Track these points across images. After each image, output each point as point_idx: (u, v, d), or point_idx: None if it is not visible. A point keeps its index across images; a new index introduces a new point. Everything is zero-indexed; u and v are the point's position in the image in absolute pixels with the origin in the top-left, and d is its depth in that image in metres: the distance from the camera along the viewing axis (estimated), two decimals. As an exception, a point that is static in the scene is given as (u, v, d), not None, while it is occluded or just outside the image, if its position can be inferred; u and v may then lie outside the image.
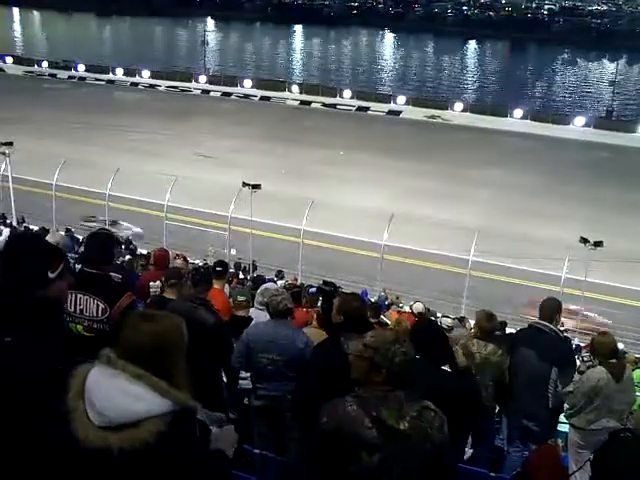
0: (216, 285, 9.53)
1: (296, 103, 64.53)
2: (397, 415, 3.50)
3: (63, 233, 22.13)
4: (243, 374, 7.74)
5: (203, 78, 70.18)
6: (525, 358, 7.51)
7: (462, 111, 61.71)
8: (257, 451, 6.48)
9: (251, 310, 9.03)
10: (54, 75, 72.39)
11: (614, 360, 7.34)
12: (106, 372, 3.00)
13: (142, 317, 3.21)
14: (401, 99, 64.13)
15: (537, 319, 7.61)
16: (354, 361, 3.75)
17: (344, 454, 3.55)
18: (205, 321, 6.95)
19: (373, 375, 3.63)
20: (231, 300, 9.60)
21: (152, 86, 69.63)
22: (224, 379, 7.68)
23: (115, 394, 2.93)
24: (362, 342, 3.77)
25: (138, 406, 2.93)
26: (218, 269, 10.03)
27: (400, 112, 62.09)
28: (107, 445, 2.88)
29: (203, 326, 6.84)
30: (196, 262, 24.26)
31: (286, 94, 66.55)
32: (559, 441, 7.51)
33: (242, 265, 28.10)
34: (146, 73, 71.25)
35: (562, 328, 17.17)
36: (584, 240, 24.91)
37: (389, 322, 11.28)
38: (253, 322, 8.02)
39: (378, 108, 62.75)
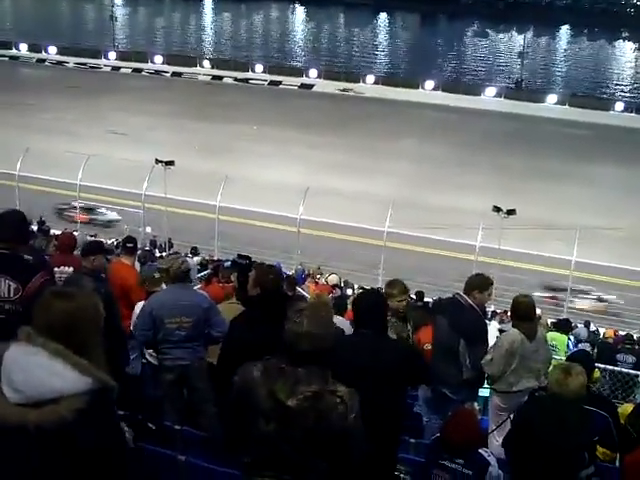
0: (126, 261, 9.41)
1: (208, 78, 63.77)
2: (288, 391, 3.50)
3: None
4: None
5: (112, 54, 68.53)
6: (439, 326, 7.64)
7: (374, 84, 61.93)
8: (178, 427, 6.45)
9: (163, 286, 8.95)
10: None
11: (528, 322, 7.51)
12: (25, 349, 2.94)
13: (55, 295, 3.13)
14: (313, 72, 63.96)
15: (460, 291, 7.73)
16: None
17: (247, 417, 3.58)
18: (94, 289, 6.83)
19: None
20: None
21: (60, 63, 67.66)
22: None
23: (34, 370, 2.87)
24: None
25: (57, 383, 2.87)
26: (128, 245, 9.89)
27: (312, 86, 62.00)
28: (24, 422, 2.82)
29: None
30: (111, 242, 23.97)
31: (197, 69, 65.69)
32: (475, 405, 7.66)
33: (158, 243, 27.82)
34: (53, 49, 69.02)
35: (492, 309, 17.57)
36: (497, 209, 25.42)
37: (306, 294, 11.32)
38: (155, 293, 7.95)
39: (290, 82, 62.49)
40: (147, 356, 8.07)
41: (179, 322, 6.98)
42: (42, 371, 2.88)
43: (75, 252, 9.17)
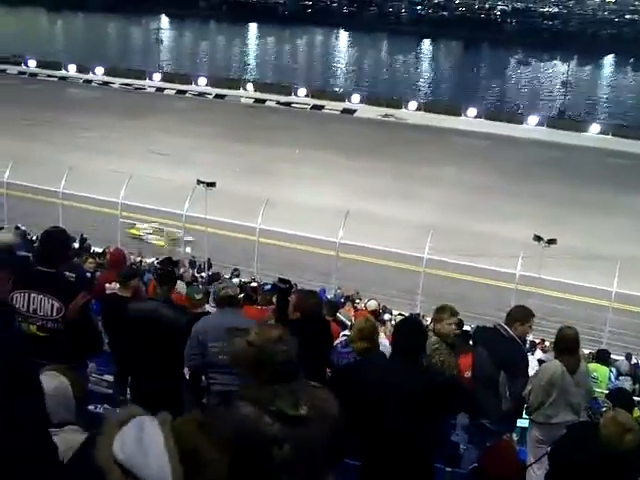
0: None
1: (251, 101, 64.22)
2: (294, 403, 3.51)
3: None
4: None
5: (157, 76, 69.42)
6: (479, 356, 7.59)
7: (416, 110, 61.94)
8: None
9: (206, 307, 9.00)
10: (3, 70, 70.87)
11: (571, 354, 7.43)
12: None
13: None
14: (355, 98, 64.16)
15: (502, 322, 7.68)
16: (238, 357, 3.77)
17: (255, 456, 3.46)
18: (175, 320, 6.88)
19: (259, 372, 3.63)
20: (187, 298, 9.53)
21: (106, 83, 68.75)
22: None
23: None
24: (246, 340, 3.77)
25: None
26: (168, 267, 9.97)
27: (354, 111, 62.14)
28: None
29: (174, 325, 6.79)
30: (152, 260, 24.18)
31: (241, 92, 66.21)
32: (514, 436, 7.58)
33: (197, 263, 27.99)
34: (99, 70, 70.14)
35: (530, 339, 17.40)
36: (538, 238, 25.24)
37: (346, 319, 11.29)
38: (203, 317, 7.98)
39: (332, 107, 62.72)
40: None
41: (221, 347, 6.98)
42: None
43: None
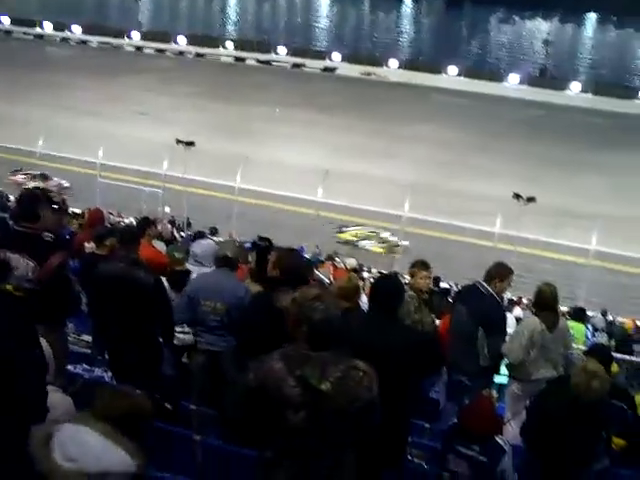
0: (143, 241, 9.43)
1: (231, 60, 63.67)
2: (319, 375, 3.49)
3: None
4: (185, 328, 7.67)
5: (136, 34, 68.46)
6: (458, 313, 7.63)
7: (397, 68, 61.60)
8: (193, 407, 6.47)
9: (187, 265, 8.98)
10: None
11: (549, 311, 7.50)
12: (83, 428, 3.14)
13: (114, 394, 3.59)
14: (336, 56, 63.63)
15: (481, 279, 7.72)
16: (285, 315, 3.77)
17: (271, 411, 3.54)
18: (143, 281, 6.85)
19: (296, 331, 3.63)
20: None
21: (83, 42, 67.78)
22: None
23: (91, 446, 3.08)
24: (291, 297, 3.78)
25: (111, 459, 3.07)
26: (143, 225, 9.92)
27: (335, 69, 61.76)
28: None
29: (142, 287, 6.76)
30: (130, 220, 24.08)
31: (221, 51, 65.56)
32: (493, 392, 7.67)
33: (176, 223, 27.92)
34: (77, 28, 69.07)
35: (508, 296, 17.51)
36: (517, 196, 25.30)
37: (325, 278, 11.32)
38: (197, 274, 7.97)
39: (313, 65, 62.29)
40: (181, 335, 8.06)
41: (213, 307, 6.97)
42: (98, 447, 3.05)
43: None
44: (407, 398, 5.10)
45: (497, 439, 5.58)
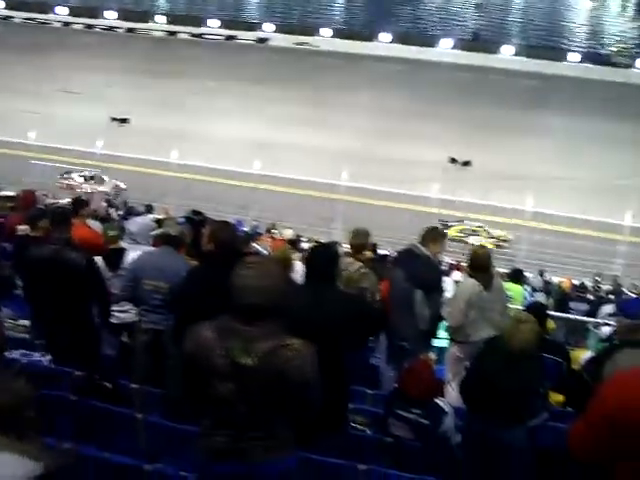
0: (77, 221, 9.28)
1: (162, 34, 62.65)
2: (245, 350, 3.47)
3: None
4: (123, 307, 7.61)
5: (63, 9, 66.69)
6: (395, 278, 7.64)
7: (331, 37, 61.31)
8: (135, 386, 6.43)
9: (121, 243, 8.87)
10: None
11: (484, 272, 7.58)
12: None
13: None
14: (268, 26, 63.11)
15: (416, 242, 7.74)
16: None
17: (201, 378, 3.56)
18: (74, 262, 6.75)
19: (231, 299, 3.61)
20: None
21: (6, 18, 65.73)
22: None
23: None
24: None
25: (8, 472, 2.88)
26: (76, 205, 9.76)
27: (268, 40, 61.28)
28: None
29: (74, 267, 6.67)
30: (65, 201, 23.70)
31: (151, 25, 64.39)
32: (431, 355, 7.72)
33: (112, 201, 27.63)
34: (-1, 3, 66.92)
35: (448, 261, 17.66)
36: (453, 160, 25.55)
37: (263, 250, 11.30)
38: (141, 253, 7.86)
39: (246, 36, 61.66)
40: (122, 314, 7.98)
41: (156, 286, 6.89)
42: None
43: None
44: (346, 365, 5.12)
45: (437, 401, 5.66)
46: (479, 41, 63.67)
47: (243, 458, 3.60)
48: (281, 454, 3.66)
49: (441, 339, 8.41)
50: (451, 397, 6.86)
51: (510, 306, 9.36)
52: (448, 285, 8.85)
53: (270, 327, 3.55)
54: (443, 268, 13.19)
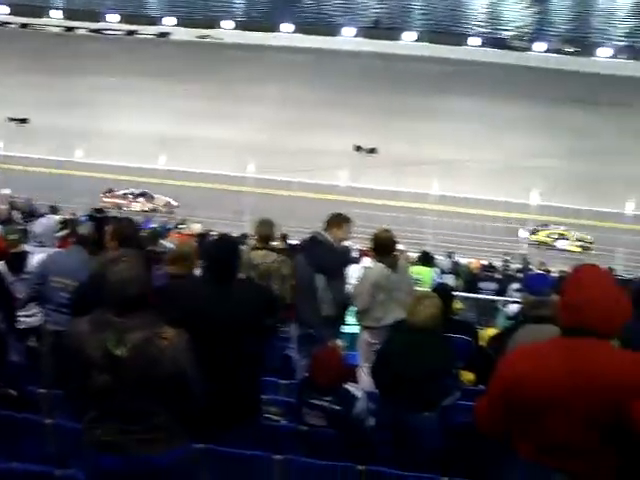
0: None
1: (59, 30, 61.11)
2: (116, 341, 3.50)
3: None
4: (29, 311, 7.44)
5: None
6: (298, 264, 7.66)
7: (233, 29, 60.95)
8: (43, 390, 6.29)
9: (24, 246, 8.66)
10: None
11: (389, 255, 7.64)
12: None
13: None
14: (169, 20, 62.35)
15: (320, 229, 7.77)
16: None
17: (80, 370, 3.57)
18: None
19: (105, 294, 3.62)
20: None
21: None
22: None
23: None
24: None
25: None
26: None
27: (170, 34, 60.56)
28: None
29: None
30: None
31: (47, 20, 62.74)
32: (339, 342, 7.74)
33: (17, 203, 26.91)
34: None
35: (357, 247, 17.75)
36: (358, 148, 25.73)
37: (168, 246, 11.16)
38: (51, 252, 7.70)
39: (146, 31, 60.79)
40: (28, 319, 7.79)
41: (63, 283, 6.75)
42: None
43: None
44: (251, 357, 5.08)
45: (348, 387, 5.68)
46: (381, 28, 64.13)
47: (124, 451, 3.60)
48: (166, 447, 3.66)
49: (351, 325, 8.44)
50: (364, 382, 6.89)
51: (419, 288, 9.47)
52: (356, 271, 8.86)
53: (144, 318, 3.59)
54: (353, 255, 13.28)
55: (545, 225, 31.08)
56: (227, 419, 4.69)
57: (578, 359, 3.04)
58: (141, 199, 29.96)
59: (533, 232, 30.67)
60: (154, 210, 28.29)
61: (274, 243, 8.42)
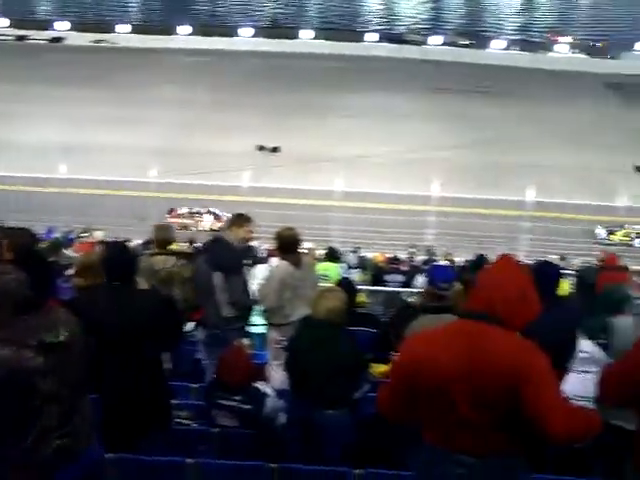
0: None
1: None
2: (53, 331, 3.49)
3: None
4: None
5: None
6: (198, 265, 7.64)
7: (129, 33, 60.11)
8: None
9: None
10: None
11: (293, 253, 7.70)
12: None
13: None
14: (62, 25, 61.00)
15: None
16: None
17: (22, 391, 3.45)
18: None
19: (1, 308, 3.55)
20: None
21: None
22: None
23: None
24: None
25: None
26: None
27: (63, 39, 59.26)
28: None
29: None
30: None
31: None
32: (244, 340, 7.74)
33: None
34: None
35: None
36: (261, 147, 25.74)
37: (72, 256, 10.98)
38: None
39: (39, 36, 59.31)
40: None
41: None
42: None
43: None
44: (153, 363, 5.06)
45: (258, 385, 5.70)
46: (278, 27, 64.21)
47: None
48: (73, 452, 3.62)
49: (259, 325, 8.46)
50: (274, 380, 6.92)
51: (325, 284, 9.54)
52: (263, 271, 8.87)
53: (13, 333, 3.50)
54: (259, 255, 13.29)
55: (621, 226, 32.16)
56: (136, 426, 4.67)
57: (478, 343, 3.15)
58: (209, 217, 29.67)
59: (610, 232, 31.65)
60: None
61: (175, 247, 8.38)
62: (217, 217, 29.44)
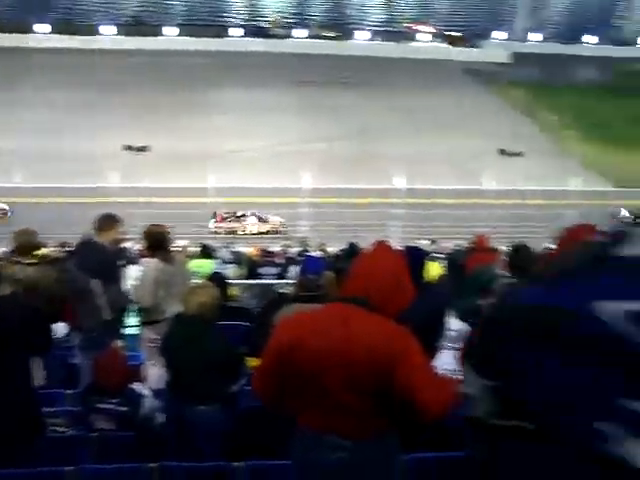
0: None
1: None
2: None
3: None
4: None
5: None
6: (69, 269, 7.49)
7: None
8: None
9: None
10: None
11: (163, 249, 7.66)
12: None
13: None
14: None
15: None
16: None
17: None
18: None
19: None
20: None
21: None
22: None
23: None
24: None
25: None
26: None
27: None
28: None
29: None
30: None
31: None
32: (119, 343, 7.66)
33: None
34: None
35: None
36: (128, 147, 25.36)
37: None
38: None
39: None
40: None
41: None
42: None
43: None
44: (20, 373, 4.95)
45: (133, 387, 5.67)
46: (141, 25, 63.27)
47: None
48: None
49: (132, 326, 8.38)
50: (151, 380, 6.88)
51: (198, 281, 9.53)
52: (135, 271, 8.78)
53: None
54: (131, 255, 13.14)
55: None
56: (6, 439, 4.58)
57: (350, 328, 3.20)
58: (254, 219, 28.82)
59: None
60: (270, 232, 27.85)
61: (44, 251, 8.18)
62: (261, 219, 29.10)
